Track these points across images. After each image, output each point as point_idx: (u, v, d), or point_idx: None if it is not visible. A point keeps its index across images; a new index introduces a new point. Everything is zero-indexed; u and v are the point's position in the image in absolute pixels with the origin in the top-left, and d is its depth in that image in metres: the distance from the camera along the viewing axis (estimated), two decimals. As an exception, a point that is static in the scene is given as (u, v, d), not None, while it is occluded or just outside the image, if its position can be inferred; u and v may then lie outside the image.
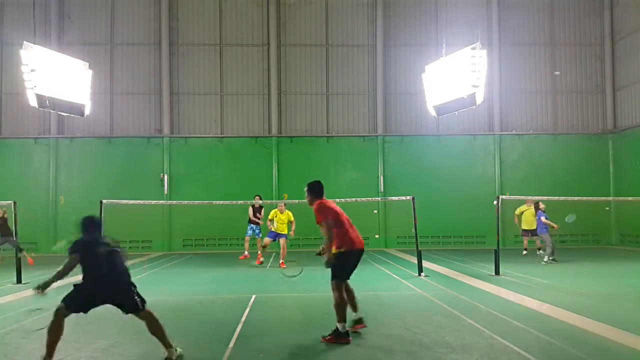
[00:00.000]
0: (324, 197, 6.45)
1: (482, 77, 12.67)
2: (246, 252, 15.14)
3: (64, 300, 5.23)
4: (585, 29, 21.59)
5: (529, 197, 15.61)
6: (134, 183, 19.78)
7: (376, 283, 10.89)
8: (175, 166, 20.46)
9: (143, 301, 5.38)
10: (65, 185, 20.25)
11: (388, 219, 20.44)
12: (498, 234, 13.13)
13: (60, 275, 5.30)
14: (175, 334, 6.36)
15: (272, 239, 13.95)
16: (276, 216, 13.87)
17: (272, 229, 13.90)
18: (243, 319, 7.08)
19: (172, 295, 9.60)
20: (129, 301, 5.34)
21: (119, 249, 5.42)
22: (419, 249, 11.87)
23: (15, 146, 20.26)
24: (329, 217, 6.10)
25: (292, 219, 14.00)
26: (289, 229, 14.01)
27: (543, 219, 14.42)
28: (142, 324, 5.24)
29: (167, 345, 5.23)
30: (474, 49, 12.63)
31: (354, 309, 6.37)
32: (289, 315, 7.39)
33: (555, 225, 14.41)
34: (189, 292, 9.86)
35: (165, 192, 20.09)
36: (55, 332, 5.13)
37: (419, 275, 11.41)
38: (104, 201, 11.69)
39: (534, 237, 15.95)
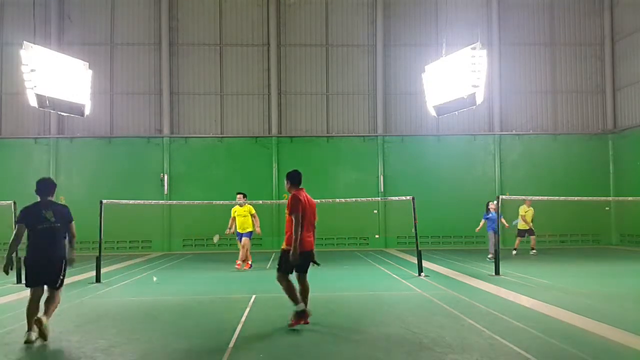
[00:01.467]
0: (302, 188, 6.81)
1: (482, 77, 12.65)
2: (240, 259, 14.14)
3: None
4: (585, 29, 21.59)
5: (531, 197, 15.53)
6: (134, 183, 19.78)
7: (376, 283, 10.88)
8: (175, 166, 20.47)
9: (62, 283, 6.24)
10: (65, 185, 20.15)
11: (388, 219, 20.43)
12: (498, 234, 13.14)
13: (11, 247, 6.05)
14: (176, 334, 6.38)
15: (239, 239, 13.12)
16: (236, 212, 13.08)
17: (230, 232, 13.12)
18: (243, 319, 7.08)
19: (172, 295, 9.61)
20: (55, 276, 6.12)
21: (59, 223, 6.16)
22: (419, 249, 11.86)
23: (15, 146, 20.27)
24: (299, 212, 6.48)
25: (254, 212, 13.11)
26: (254, 225, 13.06)
27: (502, 219, 15.36)
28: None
29: (47, 316, 5.97)
30: (474, 49, 12.62)
31: (305, 304, 6.69)
32: (289, 315, 7.38)
33: (507, 225, 16.40)
34: (189, 292, 9.86)
35: (165, 192, 20.10)
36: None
37: (419, 275, 11.40)
38: (104, 201, 11.68)
39: (531, 237, 16.75)
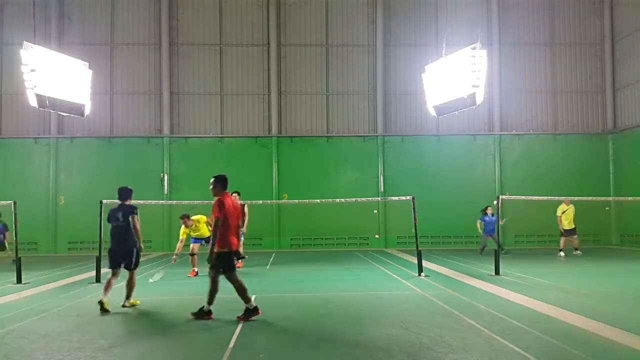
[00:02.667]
0: (227, 192, 7.41)
1: (482, 77, 12.66)
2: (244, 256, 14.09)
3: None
4: (585, 29, 21.58)
5: (531, 197, 15.48)
6: (134, 183, 19.30)
7: (376, 283, 10.88)
8: (175, 166, 20.46)
9: (136, 265, 8.22)
10: (65, 185, 20.24)
11: (388, 219, 20.43)
12: (498, 234, 13.15)
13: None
14: (176, 333, 6.38)
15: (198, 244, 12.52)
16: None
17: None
18: (243, 319, 7.07)
19: (172, 295, 9.61)
20: (129, 260, 8.15)
21: (124, 222, 8.11)
22: (419, 249, 11.86)
23: (15, 146, 20.26)
24: (220, 217, 6.98)
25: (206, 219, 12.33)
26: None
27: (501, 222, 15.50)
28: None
29: (129, 299, 8.11)
30: (474, 48, 12.63)
31: (210, 302, 7.19)
32: (289, 315, 7.38)
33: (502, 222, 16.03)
34: (189, 292, 9.86)
35: (165, 192, 20.09)
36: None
37: (419, 275, 11.40)
38: (104, 201, 11.67)
39: (572, 237, 16.25)
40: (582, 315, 6.94)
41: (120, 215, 8.10)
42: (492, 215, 16.22)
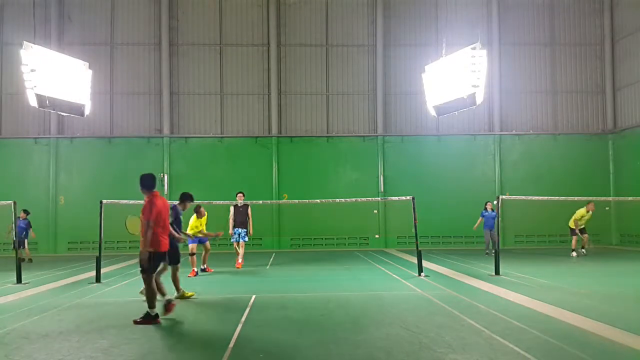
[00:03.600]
0: (156, 191, 7.33)
1: (482, 77, 12.66)
2: (240, 260, 13.65)
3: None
4: (585, 29, 21.58)
5: (531, 197, 15.46)
6: (134, 183, 19.62)
7: (376, 283, 10.88)
8: (175, 166, 20.46)
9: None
10: (65, 185, 20.24)
11: (388, 219, 20.43)
12: (498, 234, 13.14)
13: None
14: (176, 334, 6.38)
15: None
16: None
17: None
18: (243, 319, 7.07)
19: (172, 295, 9.59)
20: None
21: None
22: (419, 249, 11.86)
23: (15, 146, 20.26)
24: (151, 218, 6.91)
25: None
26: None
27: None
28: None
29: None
30: (473, 48, 12.63)
31: (163, 294, 7.28)
32: (289, 315, 7.38)
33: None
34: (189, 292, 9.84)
35: (165, 192, 20.08)
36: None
37: (419, 275, 11.40)
38: (104, 201, 11.68)
39: (583, 235, 16.35)
40: (582, 315, 6.94)
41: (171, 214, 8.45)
42: (492, 210, 16.30)
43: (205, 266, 12.84)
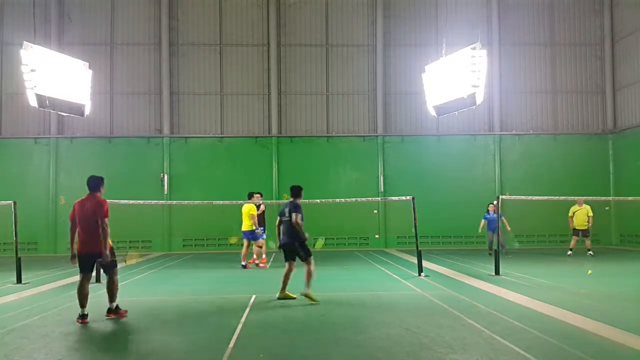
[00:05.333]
0: (97, 193, 7.91)
1: (482, 77, 12.65)
2: (264, 256, 14.38)
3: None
4: (585, 29, 21.59)
5: (531, 197, 15.49)
6: (134, 183, 19.76)
7: (376, 283, 10.88)
8: (175, 166, 20.46)
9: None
10: (65, 185, 20.23)
11: (388, 219, 20.43)
12: (498, 234, 13.14)
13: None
14: (176, 334, 6.38)
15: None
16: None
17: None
18: (243, 319, 7.07)
19: (172, 295, 9.61)
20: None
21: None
22: (419, 249, 11.86)
23: (15, 146, 20.26)
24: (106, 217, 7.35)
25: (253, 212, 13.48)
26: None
27: (503, 219, 15.69)
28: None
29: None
30: (473, 48, 12.62)
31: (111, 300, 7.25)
32: (289, 315, 7.38)
33: (509, 228, 16.29)
34: (189, 292, 9.86)
35: (165, 192, 20.10)
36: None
37: (419, 275, 11.40)
38: (104, 201, 11.65)
39: (584, 238, 16.28)
40: (582, 315, 6.94)
41: (286, 211, 8.72)
42: (494, 212, 16.21)
43: (246, 262, 13.55)
